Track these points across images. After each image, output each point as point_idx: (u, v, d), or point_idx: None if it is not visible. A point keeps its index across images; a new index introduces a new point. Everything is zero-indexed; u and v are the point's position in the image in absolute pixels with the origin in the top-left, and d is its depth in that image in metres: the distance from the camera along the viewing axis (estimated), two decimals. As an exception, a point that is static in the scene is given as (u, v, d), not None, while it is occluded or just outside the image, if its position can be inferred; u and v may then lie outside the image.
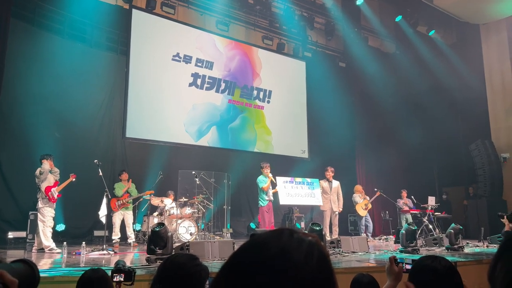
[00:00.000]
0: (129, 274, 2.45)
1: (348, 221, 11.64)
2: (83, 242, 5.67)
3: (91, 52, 9.44)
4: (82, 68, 9.03)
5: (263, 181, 8.15)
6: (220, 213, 9.41)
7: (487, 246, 8.01)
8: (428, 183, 12.82)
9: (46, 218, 6.66)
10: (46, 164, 6.79)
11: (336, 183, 9.00)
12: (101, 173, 6.91)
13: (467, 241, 8.48)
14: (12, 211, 8.06)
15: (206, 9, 11.17)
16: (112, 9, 9.81)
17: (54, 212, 6.82)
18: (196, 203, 8.58)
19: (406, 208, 10.51)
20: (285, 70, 12.43)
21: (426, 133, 12.24)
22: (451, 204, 12.13)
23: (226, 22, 11.39)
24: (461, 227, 7.39)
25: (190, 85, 10.59)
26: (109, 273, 2.38)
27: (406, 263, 1.98)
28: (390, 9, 13.15)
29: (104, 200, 6.98)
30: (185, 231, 8.09)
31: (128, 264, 3.09)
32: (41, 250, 6.63)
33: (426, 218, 9.67)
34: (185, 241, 6.79)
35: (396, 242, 8.61)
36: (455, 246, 7.04)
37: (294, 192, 8.55)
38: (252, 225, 10.62)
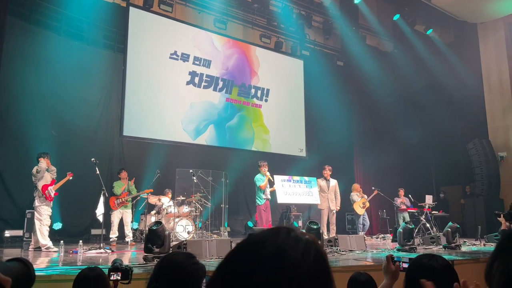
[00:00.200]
0: (126, 272, 2.44)
1: (346, 220, 11.66)
2: (80, 241, 5.68)
3: (88, 50, 9.40)
4: (79, 66, 9.00)
5: (261, 179, 8.15)
6: (218, 211, 9.41)
7: (484, 245, 8.05)
8: (425, 181, 12.86)
9: (43, 217, 6.65)
10: (43, 163, 6.77)
11: (333, 182, 9.01)
12: (98, 172, 6.89)
13: (464, 240, 8.52)
14: (8, 210, 8.03)
15: (204, 7, 11.14)
16: (109, 6, 9.77)
17: (51, 211, 6.81)
18: (194, 201, 8.58)
19: (404, 207, 10.54)
20: (283, 69, 12.43)
21: (423, 132, 12.27)
22: (448, 203, 12.17)
23: (224, 20, 11.37)
24: (458, 226, 7.42)
25: (188, 83, 10.58)
26: (106, 271, 2.37)
27: (403, 262, 1.99)
28: (388, 7, 13.16)
29: (102, 199, 6.97)
30: (182, 229, 8.08)
31: (125, 262, 3.09)
32: (38, 248, 6.61)
33: (423, 216, 9.70)
34: (183, 239, 6.79)
35: (393, 240, 8.64)
36: (452, 245, 7.07)
37: (291, 190, 8.57)
38: (250, 224, 10.63)
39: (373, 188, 10.54)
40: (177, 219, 8.17)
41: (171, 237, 6.57)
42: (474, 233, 9.38)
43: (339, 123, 12.24)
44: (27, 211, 7.64)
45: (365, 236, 9.17)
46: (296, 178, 8.78)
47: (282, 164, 10.74)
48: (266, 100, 11.93)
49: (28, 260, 0.93)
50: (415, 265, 1.68)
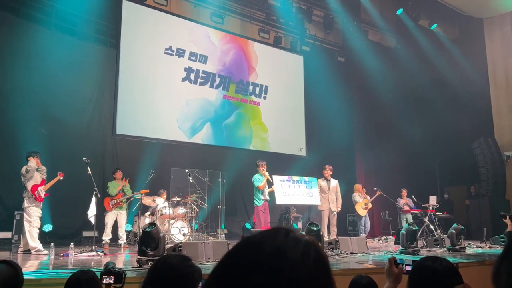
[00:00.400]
0: (119, 276, 2.44)
1: (347, 221, 11.68)
2: (71, 243, 5.65)
3: (80, 44, 9.37)
4: (70, 62, 8.97)
5: (259, 179, 8.15)
6: (214, 213, 9.40)
7: (489, 247, 8.06)
8: (429, 182, 12.88)
9: (33, 218, 6.63)
10: (33, 162, 6.75)
11: (334, 182, 9.02)
12: (90, 171, 6.89)
13: (469, 242, 8.53)
14: (-3, 211, 8.01)
15: (200, 1, 11.12)
16: None
17: (41, 212, 6.79)
18: (190, 202, 8.57)
19: (407, 208, 10.56)
20: (282, 65, 12.42)
21: (427, 130, 12.28)
22: (452, 204, 12.19)
23: (221, 14, 11.35)
24: (463, 228, 7.43)
25: (183, 80, 10.56)
26: (99, 275, 2.37)
27: (406, 264, 1.99)
28: (391, 2, 13.15)
29: (94, 199, 6.95)
30: (177, 231, 8.08)
31: (118, 265, 3.08)
32: (28, 251, 6.59)
33: (427, 218, 9.72)
34: (178, 242, 6.78)
35: (396, 242, 8.66)
36: (457, 247, 7.08)
37: (291, 191, 8.57)
38: (248, 226, 10.62)
39: (375, 188, 10.55)
40: (172, 221, 8.16)
41: (166, 239, 6.56)
42: (479, 235, 9.40)
43: (340, 121, 12.24)
44: (16, 212, 7.62)
45: (367, 238, 9.20)
46: (296, 178, 8.78)
47: (281, 163, 10.73)
48: (264, 98, 11.93)
49: (16, 263, 0.93)
50: (419, 268, 1.67)
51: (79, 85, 9.23)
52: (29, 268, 5.04)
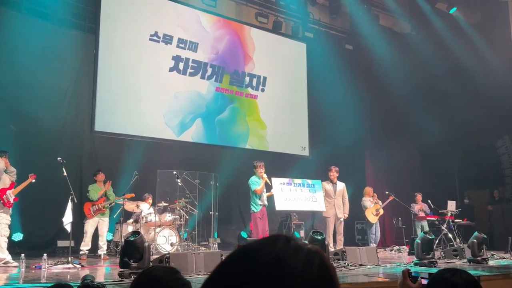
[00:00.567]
0: (98, 290, 2.44)
1: (355, 229, 11.71)
2: (45, 254, 5.64)
3: (54, 30, 9.35)
4: (43, 49, 8.95)
5: (256, 182, 8.14)
6: (206, 220, 9.41)
7: (514, 258, 8.10)
8: (447, 185, 12.90)
9: (1, 226, 6.61)
10: (1, 163, 6.74)
11: (341, 185, 9.03)
12: (65, 173, 6.87)
13: (492, 252, 8.56)
14: (-40, 218, 7.98)
15: (190, -19, 11.12)
16: (79, -20, 9.74)
17: (10, 219, 6.77)
18: (178, 208, 8.57)
19: (422, 214, 10.59)
20: (283, 53, 12.42)
21: (444, 126, 12.30)
22: (473, 210, 12.23)
23: (214, -4, 11.35)
24: (485, 236, 7.46)
25: (171, 70, 10.55)
26: (75, 289, 2.36)
27: (422, 278, 1.99)
28: (405, -18, 13.20)
29: (69, 205, 6.94)
30: (164, 241, 8.07)
31: (97, 279, 3.08)
32: (-5, 263, 6.58)
33: (445, 225, 9.75)
34: (165, 252, 6.78)
35: (410, 253, 8.68)
36: (478, 258, 7.11)
37: (292, 195, 8.57)
38: (243, 234, 10.63)
39: (387, 193, 10.53)
40: (158, 229, 8.15)
41: (152, 249, 6.56)
42: (503, 244, 9.42)
43: (348, 117, 12.25)
44: (-19, 219, 7.59)
45: (377, 248, 9.22)
46: (298, 181, 8.79)
47: (281, 164, 10.74)
48: (262, 90, 11.93)
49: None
50: (436, 281, 1.68)
51: (53, 76, 9.21)
52: (-3, 282, 5.03)
